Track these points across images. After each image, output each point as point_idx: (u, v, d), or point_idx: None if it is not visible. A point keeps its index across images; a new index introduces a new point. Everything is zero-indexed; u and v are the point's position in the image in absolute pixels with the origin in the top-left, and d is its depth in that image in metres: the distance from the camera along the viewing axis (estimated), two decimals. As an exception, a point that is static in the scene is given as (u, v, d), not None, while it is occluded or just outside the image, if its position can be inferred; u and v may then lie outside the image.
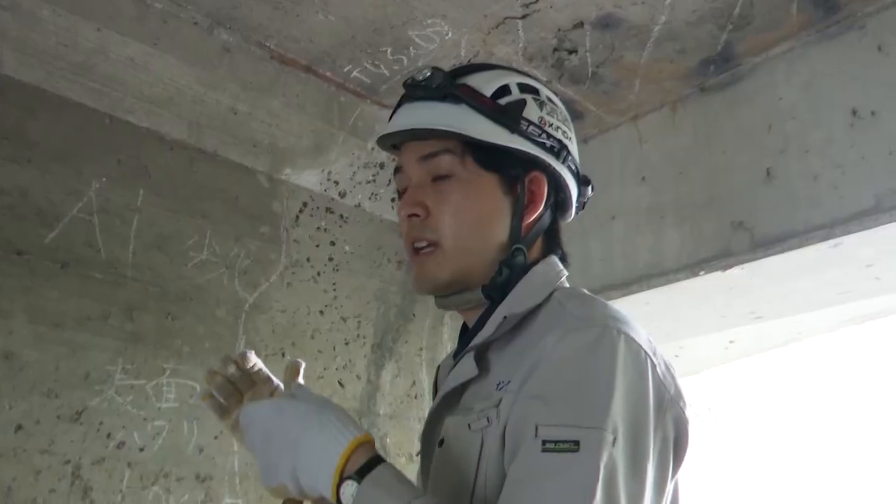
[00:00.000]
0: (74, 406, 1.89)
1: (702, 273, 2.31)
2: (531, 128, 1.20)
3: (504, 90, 1.22)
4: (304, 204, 2.53)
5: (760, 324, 2.82)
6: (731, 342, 3.34)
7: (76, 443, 1.88)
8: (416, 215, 1.17)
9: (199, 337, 2.16)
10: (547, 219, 1.25)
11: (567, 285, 1.22)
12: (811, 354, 4.47)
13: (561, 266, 1.24)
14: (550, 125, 1.23)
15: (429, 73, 1.21)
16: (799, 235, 2.11)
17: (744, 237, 2.22)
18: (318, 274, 2.49)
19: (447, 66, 2.30)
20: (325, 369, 2.42)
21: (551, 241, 1.27)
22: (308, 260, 2.48)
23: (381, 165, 2.62)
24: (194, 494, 2.04)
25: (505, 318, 1.12)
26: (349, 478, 0.94)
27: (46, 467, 1.82)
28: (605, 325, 1.02)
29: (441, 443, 1.09)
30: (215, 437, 2.11)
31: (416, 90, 1.21)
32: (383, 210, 2.73)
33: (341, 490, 0.94)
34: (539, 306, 1.14)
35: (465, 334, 1.25)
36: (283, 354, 2.32)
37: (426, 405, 2.68)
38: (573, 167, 1.26)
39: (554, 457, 0.91)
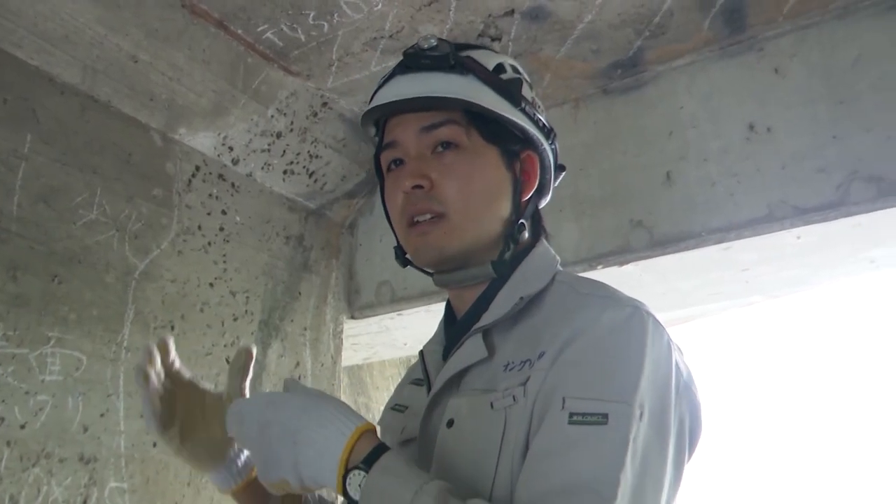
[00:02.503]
0: (-51, 375, 1.65)
1: (599, 267, 2.39)
2: (528, 106, 1.20)
3: (501, 68, 1.21)
4: (197, 168, 2.35)
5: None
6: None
7: (-50, 417, 1.64)
8: (421, 186, 1.12)
9: (86, 304, 1.95)
10: (533, 200, 1.25)
11: (561, 269, 1.22)
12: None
13: (553, 251, 1.25)
14: (539, 107, 1.24)
15: (435, 42, 1.17)
16: (696, 237, 2.25)
17: (643, 235, 2.33)
18: (209, 244, 2.33)
19: (368, 38, 2.25)
20: (213, 345, 2.26)
21: (536, 224, 1.27)
22: (199, 228, 2.31)
23: (278, 135, 2.50)
24: (77, 477, 1.84)
25: (521, 298, 1.11)
26: (356, 468, 0.91)
27: (-85, 445, 1.57)
28: (636, 307, 1.04)
29: (450, 423, 1.06)
30: (101, 415, 1.92)
31: (421, 59, 1.16)
32: (274, 182, 2.60)
33: (347, 480, 0.91)
34: (544, 289, 1.14)
35: (458, 318, 1.22)
36: (173, 328, 2.15)
37: (308, 385, 2.58)
38: (556, 151, 1.27)
39: (582, 429, 0.91)
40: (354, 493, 0.90)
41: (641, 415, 0.93)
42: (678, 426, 0.99)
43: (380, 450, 0.93)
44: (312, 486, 0.97)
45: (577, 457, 0.90)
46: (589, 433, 0.91)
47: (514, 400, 1.00)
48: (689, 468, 1.09)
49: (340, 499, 0.94)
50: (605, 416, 0.91)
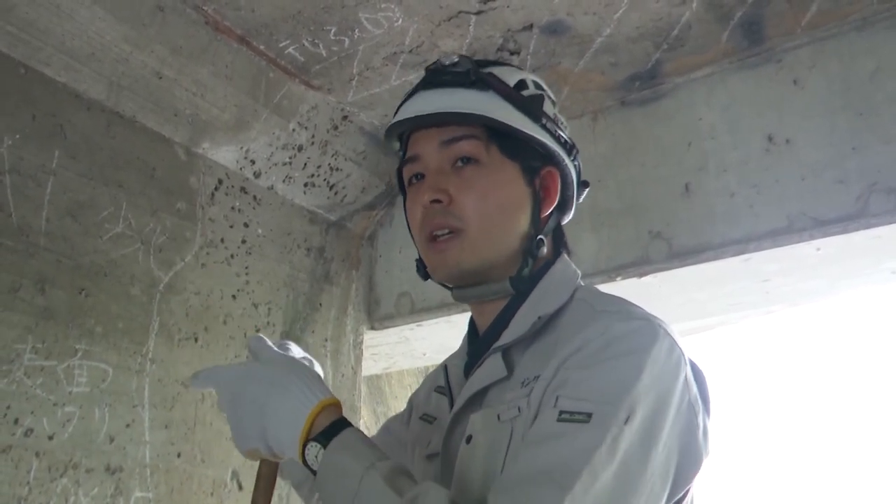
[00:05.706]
0: (-20, 387, 1.68)
1: (618, 279, 2.40)
2: (549, 122, 1.21)
3: (523, 84, 1.22)
4: (220, 181, 2.39)
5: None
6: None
7: (-19, 429, 1.67)
8: (439, 201, 1.14)
9: (112, 316, 1.98)
10: (555, 216, 1.26)
11: (583, 284, 1.23)
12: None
13: (574, 266, 1.26)
14: (562, 123, 1.25)
15: (456, 59, 1.19)
16: (715, 248, 2.25)
17: (661, 247, 2.34)
18: (232, 256, 2.36)
19: (388, 53, 2.27)
20: (236, 357, 2.29)
21: (558, 240, 1.28)
22: (222, 241, 2.34)
23: (299, 148, 2.53)
24: (104, 487, 1.87)
25: (539, 318, 1.12)
26: (314, 440, 0.97)
27: (-53, 456, 1.61)
28: (648, 320, 1.05)
29: (469, 439, 1.07)
30: (127, 426, 1.95)
31: (442, 75, 1.18)
32: (295, 194, 2.63)
33: (306, 452, 0.97)
34: (563, 306, 1.15)
35: (480, 333, 1.23)
36: (196, 339, 2.18)
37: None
38: (579, 167, 1.28)
39: (565, 426, 0.93)
40: (313, 464, 0.97)
41: (628, 419, 0.93)
42: (670, 440, 0.98)
43: (339, 425, 0.99)
44: (281, 455, 1.03)
45: (550, 449, 0.92)
46: (570, 429, 0.93)
47: (519, 411, 1.02)
48: (696, 487, 1.09)
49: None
50: (590, 415, 0.93)
